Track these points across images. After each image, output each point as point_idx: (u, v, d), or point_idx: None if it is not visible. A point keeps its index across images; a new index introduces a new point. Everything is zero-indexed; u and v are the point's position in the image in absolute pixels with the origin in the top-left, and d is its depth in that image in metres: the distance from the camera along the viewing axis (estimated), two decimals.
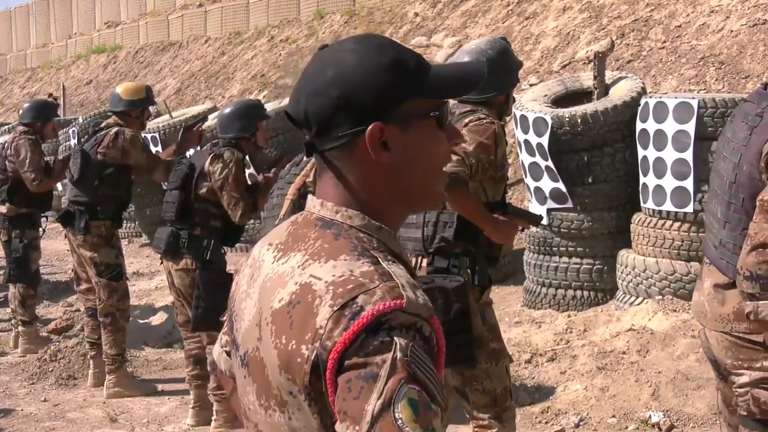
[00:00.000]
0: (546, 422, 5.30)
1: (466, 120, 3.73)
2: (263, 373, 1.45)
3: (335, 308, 1.35)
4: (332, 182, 1.52)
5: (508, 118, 4.05)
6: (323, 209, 1.52)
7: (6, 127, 16.07)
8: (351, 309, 1.34)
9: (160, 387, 6.61)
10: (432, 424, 1.28)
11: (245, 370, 1.52)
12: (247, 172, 5.62)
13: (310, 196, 1.57)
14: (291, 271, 1.45)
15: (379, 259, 1.43)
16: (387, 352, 1.30)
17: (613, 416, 5.20)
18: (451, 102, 4.20)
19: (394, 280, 1.38)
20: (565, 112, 7.34)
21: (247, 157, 5.67)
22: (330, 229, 1.48)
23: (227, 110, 5.58)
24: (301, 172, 4.60)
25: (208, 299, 5.25)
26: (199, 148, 6.23)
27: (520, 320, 7.30)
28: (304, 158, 4.75)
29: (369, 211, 1.51)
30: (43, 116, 7.71)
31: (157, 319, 8.36)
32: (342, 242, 1.46)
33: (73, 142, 12.77)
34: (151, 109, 7.36)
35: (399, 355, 1.29)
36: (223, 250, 5.55)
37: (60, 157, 9.56)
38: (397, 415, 1.26)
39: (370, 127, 1.46)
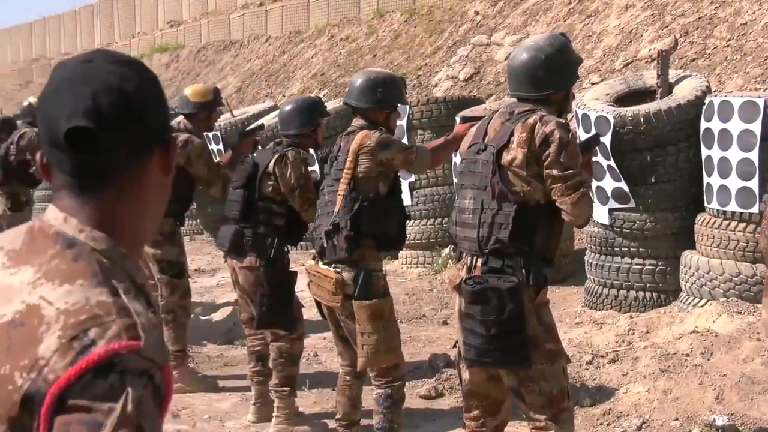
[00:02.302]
0: (607, 424, 5.25)
1: (530, 120, 3.68)
2: None
3: (63, 340, 1.22)
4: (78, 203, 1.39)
5: (568, 116, 4.00)
6: (66, 225, 1.37)
7: None
8: (81, 342, 1.22)
9: (221, 383, 6.67)
10: None
11: None
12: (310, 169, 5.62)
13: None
14: (20, 287, 1.30)
15: (120, 290, 1.30)
16: (116, 399, 1.20)
17: (676, 419, 5.14)
18: (510, 101, 4.16)
19: (133, 317, 1.26)
20: (628, 111, 7.26)
21: (310, 154, 5.69)
22: (70, 249, 1.33)
23: (288, 107, 5.57)
24: (344, 167, 4.57)
25: (273, 297, 5.31)
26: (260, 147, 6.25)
27: (581, 321, 7.24)
28: (339, 152, 4.71)
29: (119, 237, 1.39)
30: None
31: (219, 316, 8.44)
32: (81, 265, 1.31)
33: None
34: None
35: (130, 407, 1.20)
36: (286, 248, 5.58)
37: None
38: None
39: None
